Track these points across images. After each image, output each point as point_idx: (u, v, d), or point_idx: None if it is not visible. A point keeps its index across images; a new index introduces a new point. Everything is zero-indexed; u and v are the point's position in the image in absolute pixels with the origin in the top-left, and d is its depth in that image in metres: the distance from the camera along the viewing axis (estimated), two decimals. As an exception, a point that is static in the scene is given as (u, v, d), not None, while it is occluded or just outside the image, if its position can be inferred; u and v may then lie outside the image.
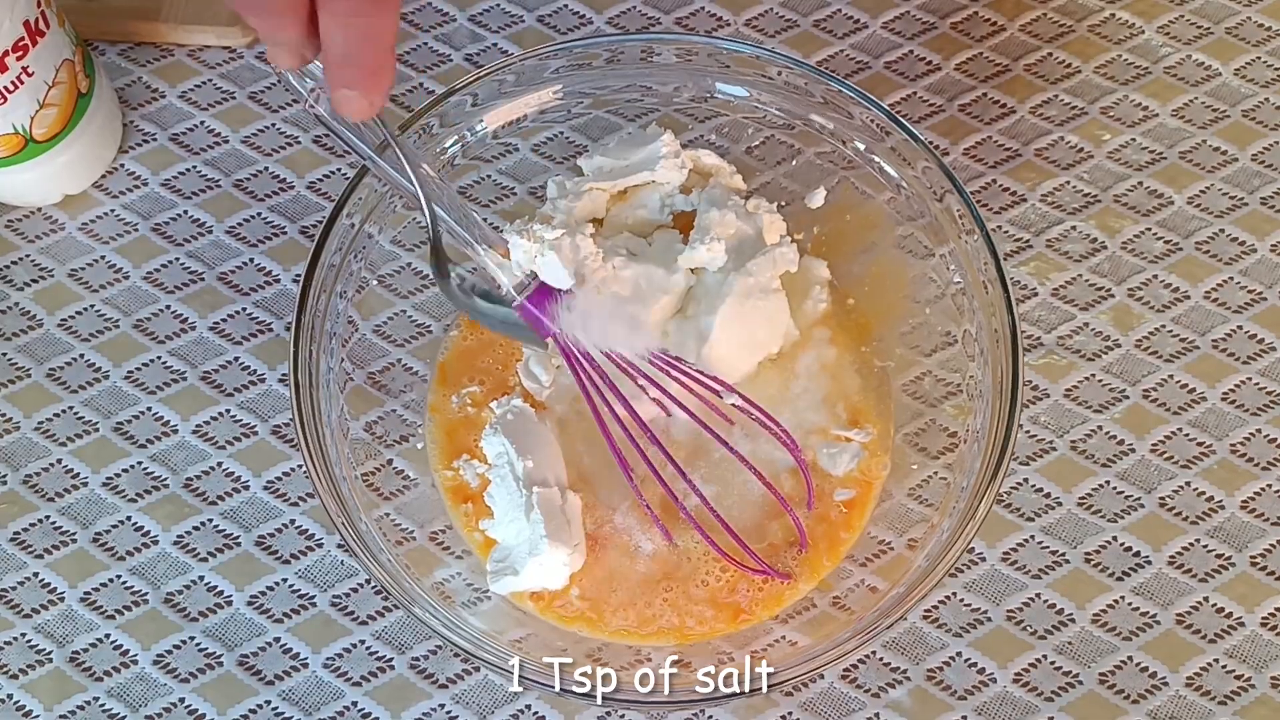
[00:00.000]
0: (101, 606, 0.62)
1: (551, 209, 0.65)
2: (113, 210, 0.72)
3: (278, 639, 0.62)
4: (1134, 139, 0.73)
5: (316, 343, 0.59)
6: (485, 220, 0.56)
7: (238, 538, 0.64)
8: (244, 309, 0.69)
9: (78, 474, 0.65)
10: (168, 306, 0.69)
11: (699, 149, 0.66)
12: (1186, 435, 0.66)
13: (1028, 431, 0.66)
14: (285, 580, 0.63)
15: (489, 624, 0.58)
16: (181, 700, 0.61)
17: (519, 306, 0.57)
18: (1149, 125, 0.73)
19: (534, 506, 0.58)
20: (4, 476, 0.65)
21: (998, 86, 0.75)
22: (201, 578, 0.63)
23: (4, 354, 0.68)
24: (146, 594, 0.63)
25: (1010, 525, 0.64)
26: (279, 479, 0.65)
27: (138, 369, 0.68)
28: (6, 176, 0.68)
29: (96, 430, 0.66)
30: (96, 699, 0.61)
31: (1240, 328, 0.68)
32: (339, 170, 0.73)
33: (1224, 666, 0.61)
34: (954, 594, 0.63)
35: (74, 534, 0.64)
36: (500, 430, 0.60)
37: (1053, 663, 0.61)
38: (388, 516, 0.60)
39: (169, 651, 0.62)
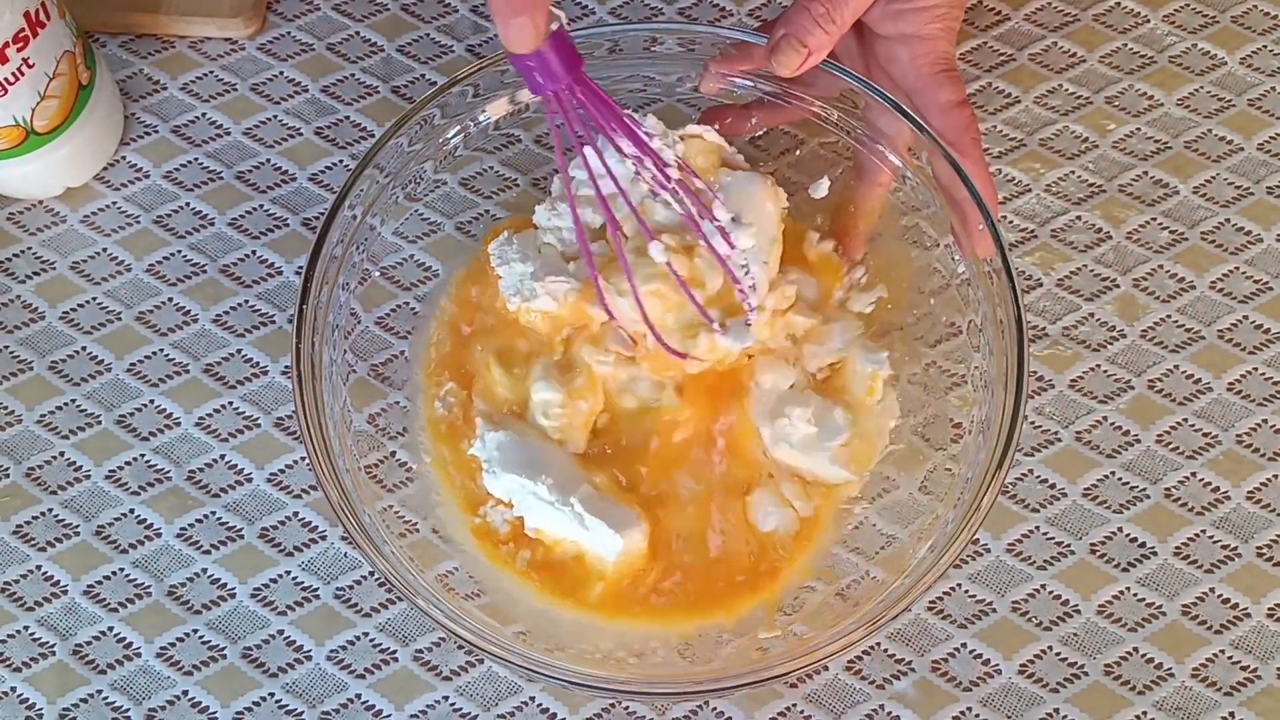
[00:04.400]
0: (104, 599, 0.62)
1: (549, 235, 0.64)
2: (114, 203, 0.71)
3: (281, 631, 0.62)
4: (1139, 128, 0.73)
5: (319, 335, 0.59)
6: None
7: (240, 530, 0.64)
8: (246, 301, 0.69)
9: (80, 467, 0.65)
10: (170, 299, 0.69)
11: (701, 127, 0.65)
12: (1192, 426, 0.66)
13: (1032, 422, 0.66)
14: (288, 573, 0.63)
15: (492, 616, 0.58)
16: (185, 693, 0.61)
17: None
18: (1154, 114, 0.73)
19: (583, 515, 0.58)
20: (6, 469, 0.65)
21: (1002, 76, 0.74)
22: (204, 570, 0.63)
23: (6, 347, 0.68)
24: (149, 587, 0.63)
25: (1015, 516, 0.64)
26: (282, 471, 0.65)
27: (140, 361, 0.67)
28: (7, 169, 0.68)
29: (99, 423, 0.66)
30: (99, 692, 0.61)
31: (1246, 318, 0.68)
32: (341, 162, 0.72)
33: (1230, 657, 0.61)
34: (959, 585, 0.62)
35: (76, 527, 0.64)
36: (500, 471, 0.59)
37: (1058, 654, 0.61)
38: (391, 508, 0.60)
39: (172, 644, 0.62)
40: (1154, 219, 0.70)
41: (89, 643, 0.62)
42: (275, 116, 0.74)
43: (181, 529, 0.64)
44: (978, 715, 0.60)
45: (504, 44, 0.50)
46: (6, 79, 0.62)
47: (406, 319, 0.66)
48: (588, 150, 0.56)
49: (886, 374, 0.63)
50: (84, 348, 0.68)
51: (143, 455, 0.65)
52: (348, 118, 0.74)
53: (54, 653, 0.62)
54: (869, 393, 0.63)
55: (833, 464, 0.61)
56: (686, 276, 0.59)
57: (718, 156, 0.66)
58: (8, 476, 0.65)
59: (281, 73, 0.75)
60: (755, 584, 0.60)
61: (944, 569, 0.54)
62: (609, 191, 0.58)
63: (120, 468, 0.65)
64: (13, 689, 0.61)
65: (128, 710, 0.60)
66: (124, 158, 0.73)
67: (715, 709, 0.60)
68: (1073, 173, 0.72)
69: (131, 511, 0.64)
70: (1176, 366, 0.67)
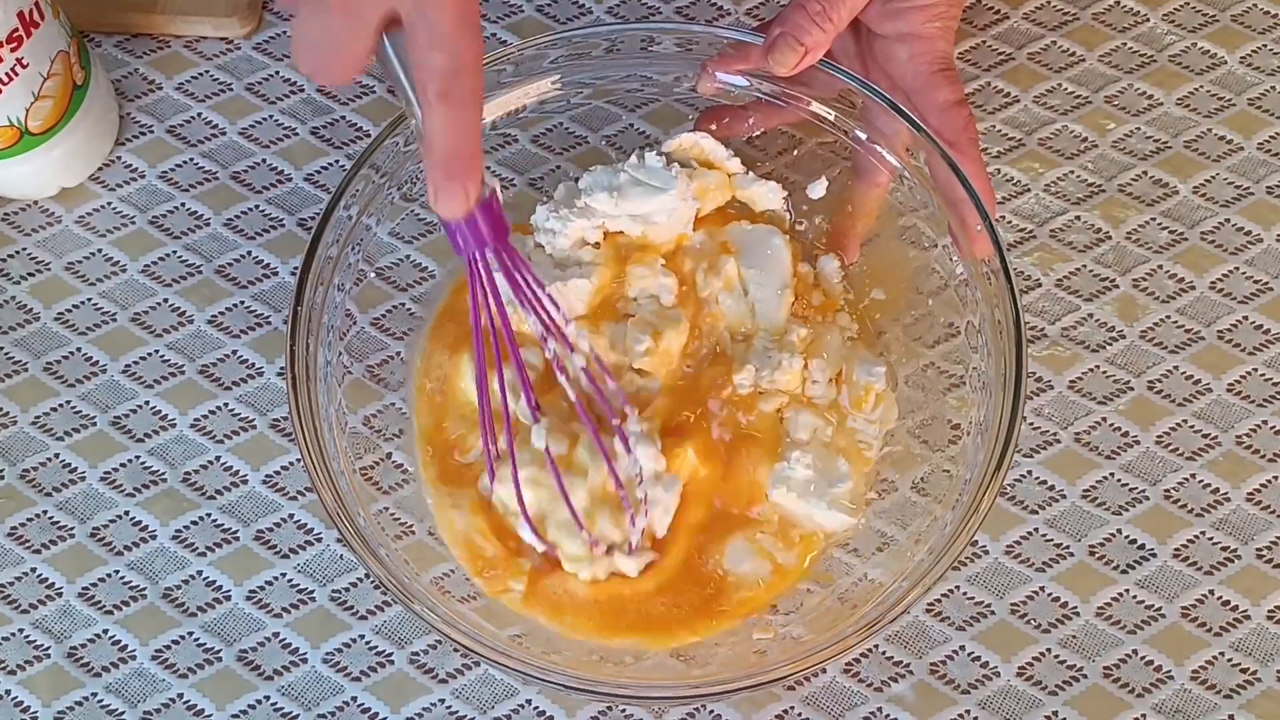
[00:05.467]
0: (99, 602, 0.62)
1: (544, 237, 0.64)
2: (109, 203, 0.71)
3: (277, 634, 0.62)
4: (1139, 128, 0.73)
5: (314, 336, 0.59)
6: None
7: (236, 532, 0.64)
8: (242, 302, 0.69)
9: (75, 468, 0.65)
10: (165, 300, 0.69)
11: (698, 134, 0.65)
12: (1191, 427, 0.65)
13: (1031, 423, 0.65)
14: (284, 575, 0.63)
15: (488, 619, 0.57)
16: (180, 696, 0.60)
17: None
18: (1154, 114, 0.73)
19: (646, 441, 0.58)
20: (1, 471, 0.65)
21: (1001, 75, 0.74)
22: (200, 572, 0.63)
23: (1, 348, 0.68)
24: (145, 589, 0.62)
25: (1014, 518, 0.64)
26: (277, 473, 0.65)
27: (135, 363, 0.67)
28: (2, 169, 0.67)
29: (94, 424, 0.66)
30: (95, 695, 0.60)
31: (1246, 318, 0.68)
32: (336, 162, 0.72)
33: (1230, 660, 0.61)
34: (957, 587, 0.62)
35: (72, 529, 0.64)
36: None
37: (1057, 656, 0.61)
38: (386, 511, 0.60)
39: (167, 647, 0.61)
40: (1153, 219, 0.70)
41: (84, 645, 0.61)
42: (271, 116, 0.73)
43: (177, 531, 0.64)
44: (976, 718, 0.60)
45: (433, 206, 0.49)
46: (0, 79, 0.62)
47: (403, 320, 0.66)
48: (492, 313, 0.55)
49: (881, 387, 0.63)
50: (79, 349, 0.68)
51: (138, 457, 0.65)
52: (343, 117, 0.74)
53: (49, 655, 0.61)
54: (861, 403, 0.62)
55: (830, 509, 0.60)
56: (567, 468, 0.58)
57: (730, 189, 0.65)
58: (2, 479, 0.65)
59: (277, 72, 0.75)
60: (707, 618, 0.59)
61: (942, 571, 0.54)
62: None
63: (115, 469, 0.65)
64: (7, 692, 0.61)
65: (123, 713, 0.60)
66: (119, 158, 0.72)
67: (713, 712, 0.60)
68: (1072, 172, 0.71)
69: (127, 513, 0.64)
70: (1176, 367, 0.67)
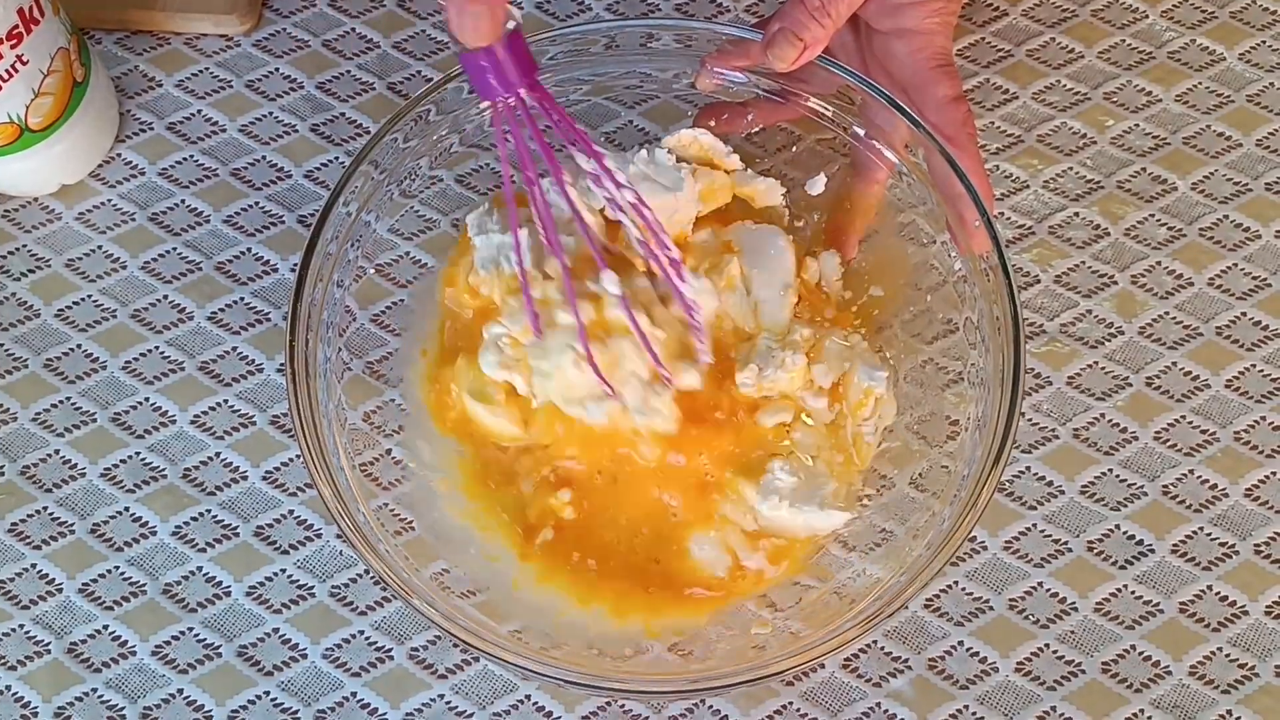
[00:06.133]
0: (100, 597, 0.62)
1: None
2: (110, 200, 0.71)
3: (276, 629, 0.62)
4: (1137, 124, 0.73)
5: (313, 332, 0.59)
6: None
7: (236, 528, 0.64)
8: (242, 298, 0.69)
9: (75, 465, 0.65)
10: (165, 296, 0.69)
11: (697, 130, 0.65)
12: (1190, 423, 0.65)
13: (1030, 419, 0.66)
14: (284, 571, 0.63)
15: (488, 614, 0.57)
16: (180, 691, 0.61)
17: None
18: (1153, 110, 0.73)
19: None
20: (1, 467, 0.65)
21: (1000, 72, 0.74)
22: (200, 568, 0.63)
23: (1, 345, 0.68)
24: (145, 585, 0.63)
25: (1012, 514, 0.64)
26: (277, 469, 0.65)
27: (135, 359, 0.67)
28: (2, 166, 0.67)
29: (94, 421, 0.66)
30: (95, 690, 0.61)
31: (1244, 314, 0.68)
32: (336, 159, 0.72)
33: (1227, 655, 0.61)
34: (955, 583, 0.62)
35: (72, 525, 0.64)
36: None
37: (1055, 652, 0.61)
38: (386, 506, 0.60)
39: (167, 642, 0.62)
40: (1152, 215, 0.70)
41: (84, 641, 0.62)
42: (271, 113, 0.74)
43: (177, 527, 0.64)
44: (975, 713, 0.60)
45: (456, 36, 0.48)
46: (0, 76, 0.62)
47: (402, 316, 0.66)
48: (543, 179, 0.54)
49: (881, 391, 0.62)
50: (79, 345, 0.68)
51: (138, 453, 0.65)
52: (343, 114, 0.74)
53: (49, 651, 0.61)
54: (860, 406, 0.62)
55: (823, 510, 0.59)
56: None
57: (731, 188, 0.65)
58: (2, 475, 0.65)
59: (277, 69, 0.75)
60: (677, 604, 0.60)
61: (941, 566, 0.54)
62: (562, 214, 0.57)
63: (115, 465, 0.65)
64: (8, 687, 0.61)
65: (123, 708, 0.60)
66: (119, 155, 0.72)
67: (711, 707, 0.60)
68: (1071, 169, 0.71)
69: (127, 509, 0.64)
70: (1175, 363, 0.67)
